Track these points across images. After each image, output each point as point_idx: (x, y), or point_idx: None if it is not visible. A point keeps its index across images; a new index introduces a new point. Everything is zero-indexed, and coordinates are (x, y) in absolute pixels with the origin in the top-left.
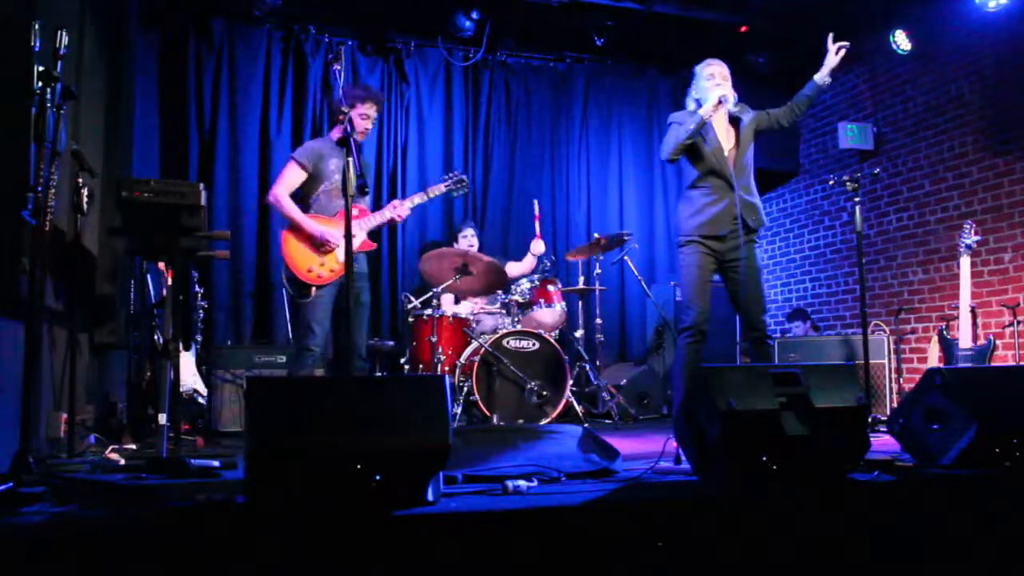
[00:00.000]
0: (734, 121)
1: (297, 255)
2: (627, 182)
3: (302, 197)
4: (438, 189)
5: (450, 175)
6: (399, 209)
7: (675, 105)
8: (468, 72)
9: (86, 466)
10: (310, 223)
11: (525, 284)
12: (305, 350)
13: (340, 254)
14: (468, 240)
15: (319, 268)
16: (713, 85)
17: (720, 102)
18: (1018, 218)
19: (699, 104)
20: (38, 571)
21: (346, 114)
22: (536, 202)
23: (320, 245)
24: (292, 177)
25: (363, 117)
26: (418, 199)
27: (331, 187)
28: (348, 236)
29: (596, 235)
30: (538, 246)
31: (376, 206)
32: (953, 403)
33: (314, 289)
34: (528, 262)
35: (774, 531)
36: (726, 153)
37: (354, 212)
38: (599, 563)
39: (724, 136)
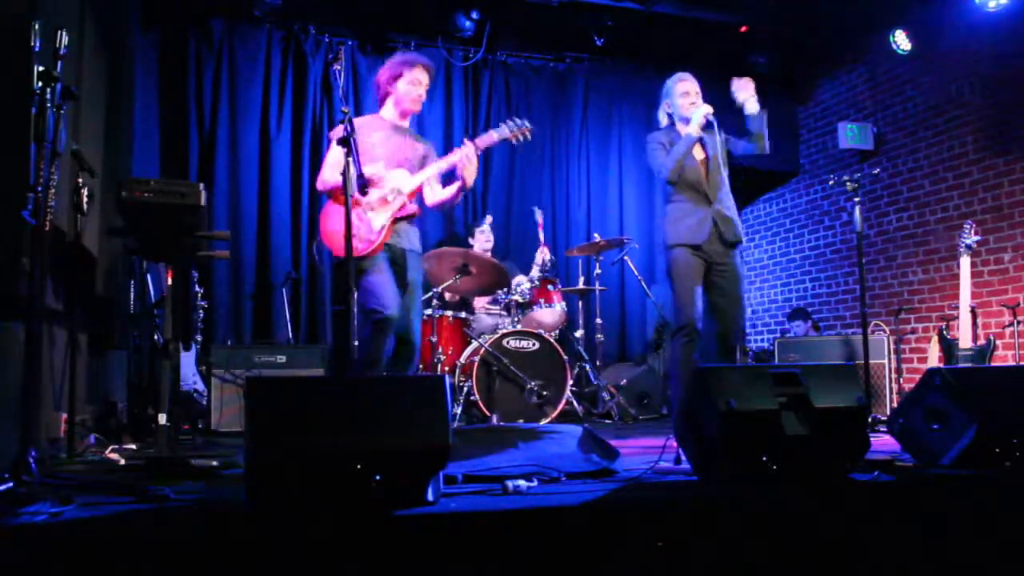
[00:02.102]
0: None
1: (338, 227)
2: (627, 182)
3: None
4: (489, 138)
5: (509, 120)
6: (466, 149)
7: None
8: (468, 72)
9: (86, 466)
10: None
11: (525, 284)
12: (373, 314)
13: (382, 215)
14: (486, 236)
15: (355, 240)
16: (688, 103)
17: (709, 123)
18: (1018, 218)
19: (672, 119)
20: (38, 571)
21: (347, 115)
22: (538, 209)
23: (363, 189)
24: (336, 157)
25: (414, 83)
26: (490, 138)
27: (372, 166)
28: (348, 236)
29: (596, 236)
30: (543, 255)
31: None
32: (953, 403)
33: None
34: (533, 273)
35: (774, 531)
36: (699, 167)
37: (398, 170)
38: (599, 563)
39: (698, 152)
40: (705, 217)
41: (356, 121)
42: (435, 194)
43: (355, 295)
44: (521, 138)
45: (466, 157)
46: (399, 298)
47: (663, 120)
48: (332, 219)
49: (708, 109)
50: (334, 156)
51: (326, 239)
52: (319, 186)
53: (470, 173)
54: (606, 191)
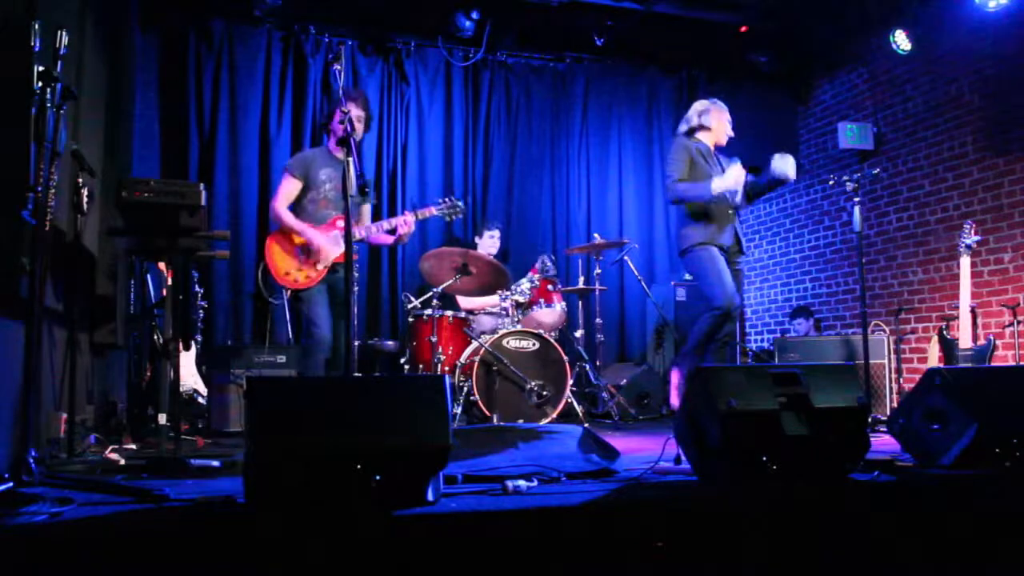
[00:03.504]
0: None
1: (278, 259)
2: (627, 182)
3: (293, 204)
4: (428, 211)
5: (445, 199)
6: (378, 234)
7: (675, 105)
8: (468, 72)
9: (86, 466)
10: (310, 233)
11: (525, 284)
12: (313, 345)
13: (319, 265)
14: (494, 241)
15: (296, 273)
16: (725, 131)
17: (747, 177)
18: (1018, 218)
19: (699, 128)
20: (38, 571)
21: (347, 114)
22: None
23: (309, 254)
24: (288, 188)
25: (359, 120)
26: (429, 211)
27: (319, 196)
28: (348, 234)
29: (596, 236)
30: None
31: (375, 208)
32: (953, 403)
33: (288, 292)
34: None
35: (774, 531)
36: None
37: (341, 224)
38: (599, 563)
39: (724, 169)
40: (727, 223)
41: (301, 154)
42: (368, 233)
43: (354, 294)
44: (456, 216)
45: (405, 223)
46: (331, 320)
47: (693, 121)
48: (273, 249)
49: (743, 176)
50: (287, 187)
51: (269, 263)
52: (275, 215)
53: (406, 233)
54: (606, 191)
